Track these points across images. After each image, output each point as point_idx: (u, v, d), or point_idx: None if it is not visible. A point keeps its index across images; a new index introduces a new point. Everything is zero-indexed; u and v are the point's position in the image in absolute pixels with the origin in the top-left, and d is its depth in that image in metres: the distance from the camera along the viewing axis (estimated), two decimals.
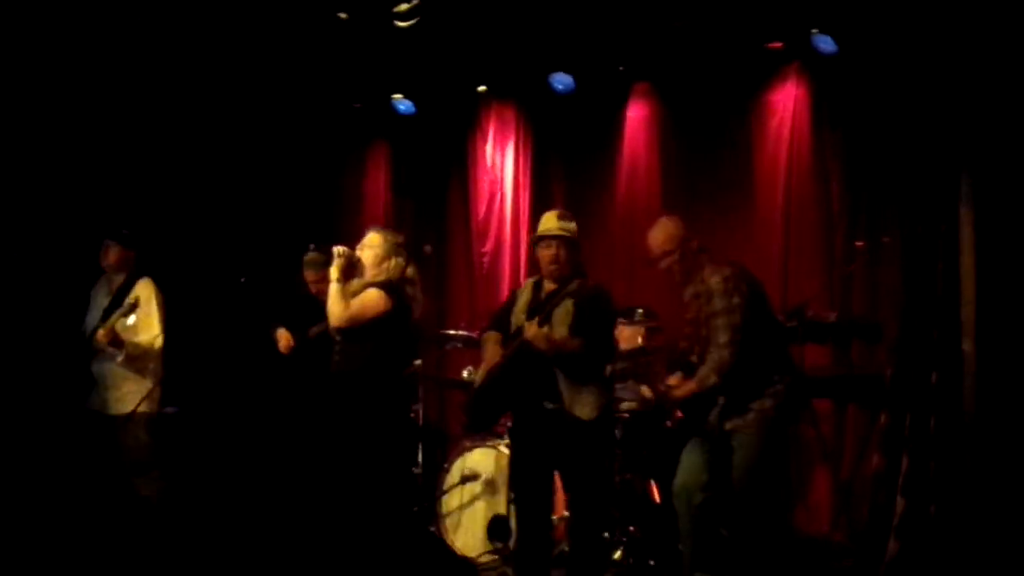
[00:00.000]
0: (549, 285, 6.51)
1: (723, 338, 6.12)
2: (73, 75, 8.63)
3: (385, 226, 7.33)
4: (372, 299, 6.74)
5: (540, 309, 6.41)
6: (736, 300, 6.17)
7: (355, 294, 6.79)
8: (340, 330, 6.79)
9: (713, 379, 6.12)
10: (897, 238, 7.18)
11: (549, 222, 6.58)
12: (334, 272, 6.79)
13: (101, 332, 7.60)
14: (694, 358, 6.22)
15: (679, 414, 6.30)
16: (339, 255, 6.82)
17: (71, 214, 8.87)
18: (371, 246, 6.92)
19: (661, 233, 6.41)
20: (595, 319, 6.35)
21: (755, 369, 6.14)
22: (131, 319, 7.64)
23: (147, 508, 7.54)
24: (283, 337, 7.91)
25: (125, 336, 7.66)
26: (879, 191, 7.48)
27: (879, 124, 7.41)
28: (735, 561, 6.70)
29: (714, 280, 6.21)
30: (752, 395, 6.15)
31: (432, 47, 8.59)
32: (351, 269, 6.85)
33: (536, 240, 6.61)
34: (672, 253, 6.34)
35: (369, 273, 6.86)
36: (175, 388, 8.13)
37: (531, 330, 6.29)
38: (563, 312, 6.34)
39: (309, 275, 8.05)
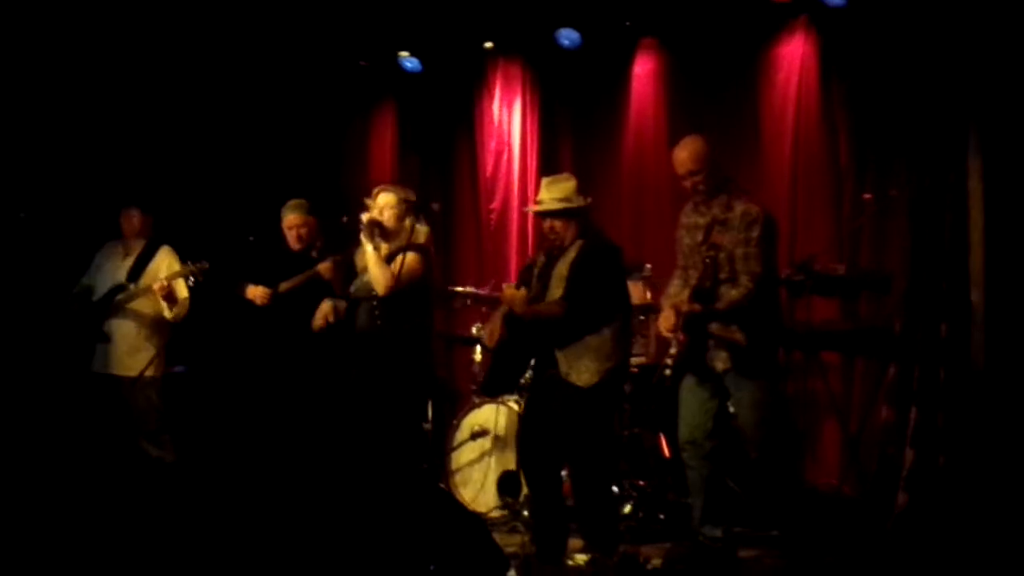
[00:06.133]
0: (556, 251, 6.51)
1: (756, 267, 6.11)
2: (78, 39, 8.64)
3: (393, 183, 7.36)
4: (413, 262, 6.88)
5: (545, 272, 6.43)
6: (773, 236, 6.23)
7: (388, 258, 6.91)
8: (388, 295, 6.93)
9: (744, 304, 6.10)
10: (905, 190, 7.15)
11: (541, 194, 6.55)
12: (367, 240, 6.95)
13: (161, 284, 7.67)
14: (707, 283, 6.12)
15: (670, 361, 6.26)
16: (368, 222, 6.97)
17: (72, 178, 8.91)
18: (388, 206, 7.05)
19: (687, 151, 6.33)
20: (589, 281, 6.28)
21: (758, 309, 6.15)
22: (191, 282, 7.77)
23: (159, 470, 7.57)
24: (258, 293, 7.82)
25: (144, 295, 7.75)
26: (887, 143, 7.44)
27: (887, 77, 7.37)
28: (744, 513, 6.75)
29: (753, 210, 6.19)
30: (749, 335, 6.16)
31: (438, 4, 8.59)
32: (378, 234, 6.99)
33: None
34: (699, 172, 6.28)
35: (394, 235, 6.98)
36: (184, 348, 8.17)
37: (508, 292, 6.34)
38: (558, 276, 6.34)
39: (293, 219, 7.93)
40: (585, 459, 6.38)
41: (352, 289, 7.27)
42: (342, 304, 7.36)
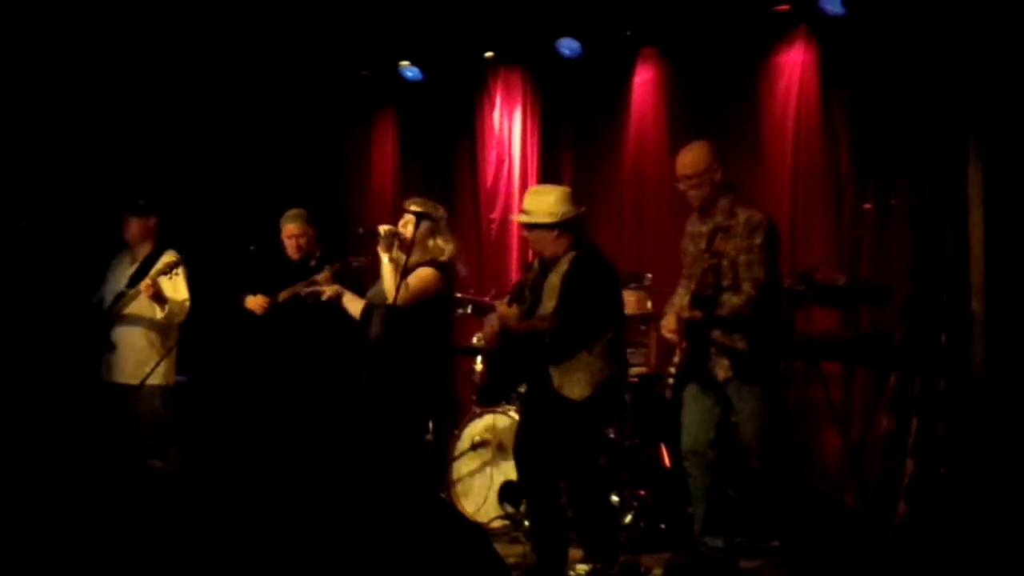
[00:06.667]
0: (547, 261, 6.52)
1: (759, 273, 6.10)
2: (77, 48, 8.66)
3: (422, 197, 7.28)
4: (428, 278, 6.82)
5: (538, 284, 6.43)
6: (776, 244, 6.23)
7: (407, 271, 6.82)
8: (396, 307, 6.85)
9: (746, 311, 6.10)
10: (906, 200, 7.16)
11: (524, 203, 6.58)
12: (383, 251, 6.88)
13: (146, 283, 7.63)
14: (708, 290, 6.13)
15: (673, 370, 6.25)
16: (385, 233, 6.89)
17: (77, 184, 8.91)
18: (411, 219, 6.95)
19: (688, 156, 6.35)
20: (581, 293, 6.28)
21: (761, 316, 6.15)
22: (172, 276, 7.69)
23: (163, 481, 7.55)
24: (256, 303, 7.77)
25: (147, 302, 7.74)
26: (887, 153, 7.44)
27: (887, 86, 7.37)
28: (745, 523, 6.74)
29: (756, 217, 6.19)
30: (751, 342, 6.16)
31: (439, 13, 8.59)
32: (397, 245, 6.92)
33: None
34: (691, 178, 6.28)
35: (417, 249, 6.85)
36: (185, 358, 8.16)
37: (501, 310, 6.31)
38: (550, 288, 6.34)
39: (292, 229, 7.90)
40: (580, 472, 6.39)
41: (369, 295, 7.25)
42: (355, 307, 7.34)
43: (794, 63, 7.97)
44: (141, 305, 7.81)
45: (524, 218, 6.50)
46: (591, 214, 8.06)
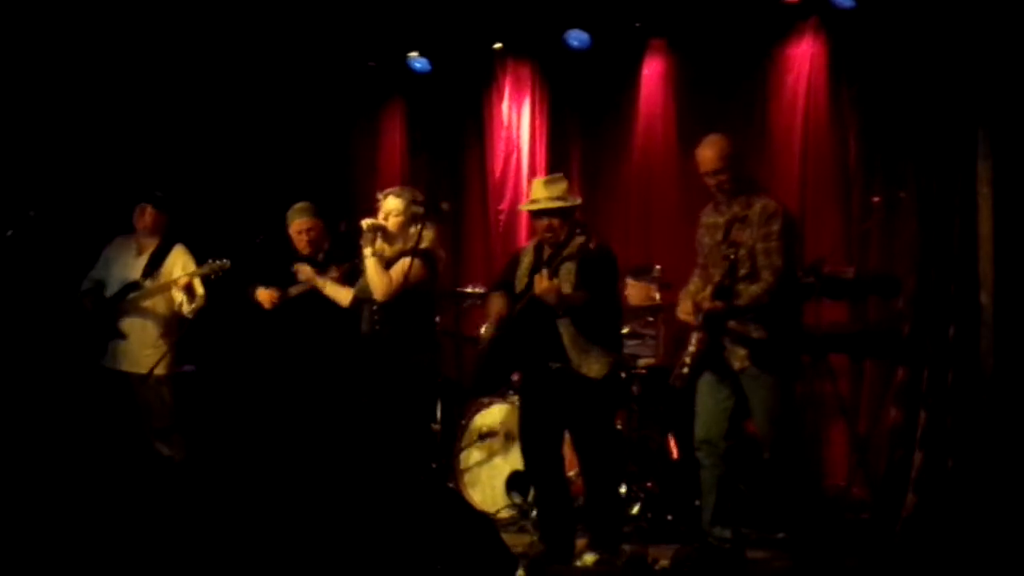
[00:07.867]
0: (550, 248, 6.57)
1: (778, 261, 6.10)
2: (86, 40, 8.68)
3: (402, 184, 7.29)
4: (411, 267, 6.77)
5: (543, 268, 6.45)
6: (793, 233, 6.24)
7: (390, 262, 6.84)
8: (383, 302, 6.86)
9: (765, 299, 6.10)
10: (914, 193, 7.15)
11: (537, 192, 6.63)
12: (367, 246, 6.86)
13: (183, 280, 7.70)
14: (728, 281, 6.12)
15: (688, 360, 6.25)
16: (368, 228, 6.88)
17: (85, 175, 8.93)
18: (395, 213, 6.93)
19: (712, 150, 6.31)
20: (598, 278, 6.38)
21: (779, 307, 6.15)
22: (214, 277, 7.74)
23: (168, 469, 7.58)
24: (266, 296, 7.82)
25: (161, 292, 7.77)
26: (896, 146, 7.44)
27: (896, 79, 7.36)
28: (753, 514, 6.75)
29: (772, 205, 6.20)
30: (769, 332, 6.16)
31: (447, 4, 8.59)
32: (380, 237, 6.91)
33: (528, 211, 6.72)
34: (723, 171, 6.26)
35: (398, 240, 6.88)
36: (193, 347, 8.17)
37: (542, 284, 6.30)
38: (566, 272, 6.38)
39: (302, 223, 7.87)
40: (598, 451, 6.48)
41: (356, 289, 7.22)
42: (340, 294, 7.34)
43: (803, 55, 7.99)
44: (156, 298, 7.84)
45: (537, 206, 6.54)
46: (599, 205, 8.09)
